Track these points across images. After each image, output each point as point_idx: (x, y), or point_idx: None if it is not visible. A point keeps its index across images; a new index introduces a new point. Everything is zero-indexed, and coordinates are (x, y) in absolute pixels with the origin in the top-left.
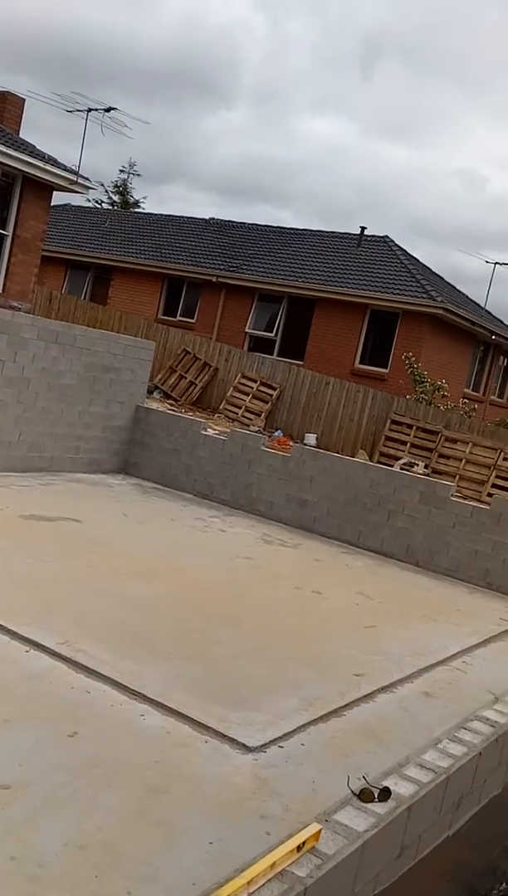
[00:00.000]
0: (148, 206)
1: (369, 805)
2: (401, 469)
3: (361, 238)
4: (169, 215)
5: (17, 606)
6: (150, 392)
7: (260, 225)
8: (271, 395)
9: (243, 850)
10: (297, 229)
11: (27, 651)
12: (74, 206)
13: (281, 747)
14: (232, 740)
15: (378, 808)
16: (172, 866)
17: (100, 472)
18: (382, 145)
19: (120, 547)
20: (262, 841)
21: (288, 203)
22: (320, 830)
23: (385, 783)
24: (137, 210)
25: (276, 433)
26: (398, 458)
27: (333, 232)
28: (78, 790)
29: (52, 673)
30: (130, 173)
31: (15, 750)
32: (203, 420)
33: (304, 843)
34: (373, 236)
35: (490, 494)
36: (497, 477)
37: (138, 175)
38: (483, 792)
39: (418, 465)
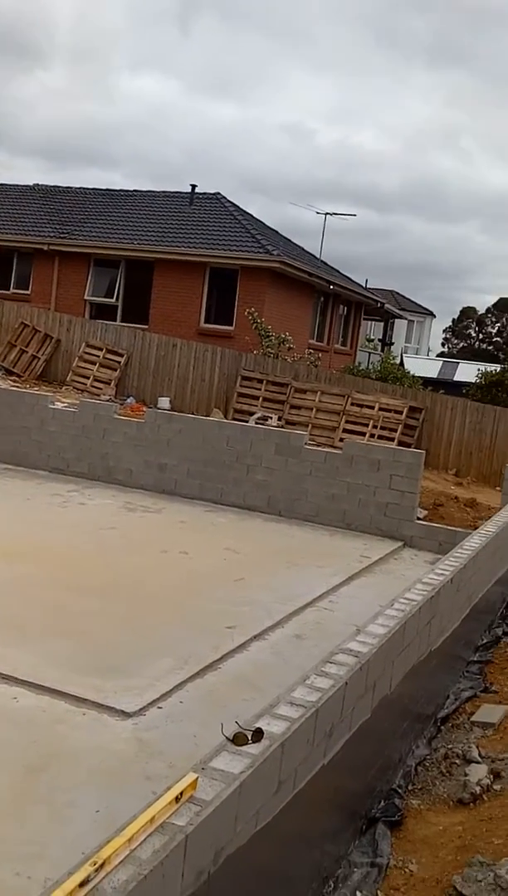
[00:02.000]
0: None
1: (243, 748)
2: (256, 424)
3: (192, 196)
4: None
5: None
6: None
7: (88, 188)
8: (119, 362)
9: (130, 812)
10: (127, 191)
11: None
12: None
13: (160, 708)
14: (110, 709)
15: (253, 749)
16: (59, 841)
17: None
18: (207, 103)
19: None
20: (148, 801)
21: (117, 165)
22: (196, 779)
23: (258, 725)
24: None
25: (128, 400)
26: (252, 414)
27: (164, 191)
28: None
29: None
30: None
31: None
32: (50, 394)
33: (182, 793)
34: (204, 194)
35: (341, 439)
36: (346, 422)
37: None
38: (353, 719)
39: (271, 418)
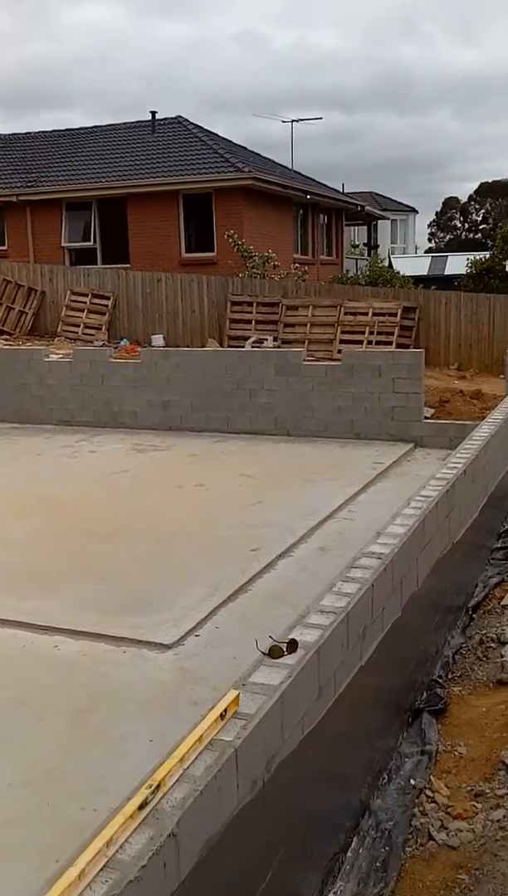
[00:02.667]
0: None
1: (280, 660)
2: (251, 347)
3: (154, 123)
4: None
5: None
6: None
7: (48, 132)
8: (107, 306)
9: (182, 737)
10: (86, 128)
11: None
12: None
13: (198, 636)
14: (149, 643)
15: (289, 660)
16: (118, 773)
17: None
18: (156, 24)
19: None
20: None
21: (74, 104)
22: (238, 695)
23: (292, 636)
24: None
25: (122, 342)
26: (247, 338)
27: (124, 123)
28: (11, 734)
29: None
30: None
31: None
32: (43, 347)
33: (226, 710)
34: (166, 119)
35: (339, 351)
36: (342, 332)
37: None
38: (384, 619)
39: (267, 339)
